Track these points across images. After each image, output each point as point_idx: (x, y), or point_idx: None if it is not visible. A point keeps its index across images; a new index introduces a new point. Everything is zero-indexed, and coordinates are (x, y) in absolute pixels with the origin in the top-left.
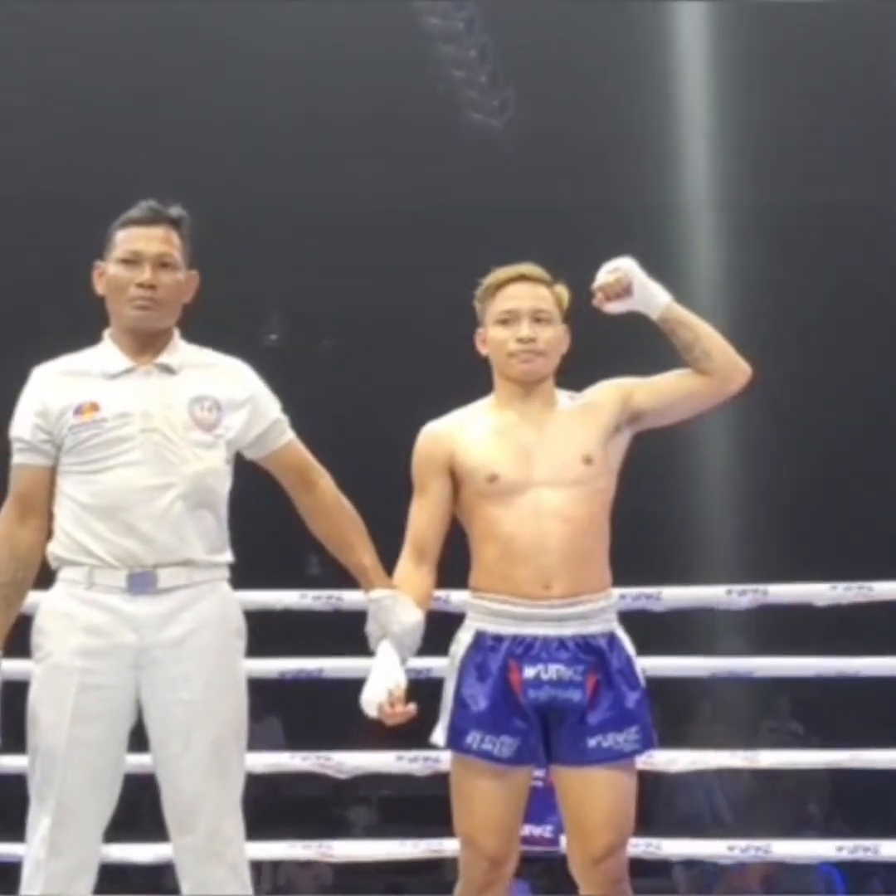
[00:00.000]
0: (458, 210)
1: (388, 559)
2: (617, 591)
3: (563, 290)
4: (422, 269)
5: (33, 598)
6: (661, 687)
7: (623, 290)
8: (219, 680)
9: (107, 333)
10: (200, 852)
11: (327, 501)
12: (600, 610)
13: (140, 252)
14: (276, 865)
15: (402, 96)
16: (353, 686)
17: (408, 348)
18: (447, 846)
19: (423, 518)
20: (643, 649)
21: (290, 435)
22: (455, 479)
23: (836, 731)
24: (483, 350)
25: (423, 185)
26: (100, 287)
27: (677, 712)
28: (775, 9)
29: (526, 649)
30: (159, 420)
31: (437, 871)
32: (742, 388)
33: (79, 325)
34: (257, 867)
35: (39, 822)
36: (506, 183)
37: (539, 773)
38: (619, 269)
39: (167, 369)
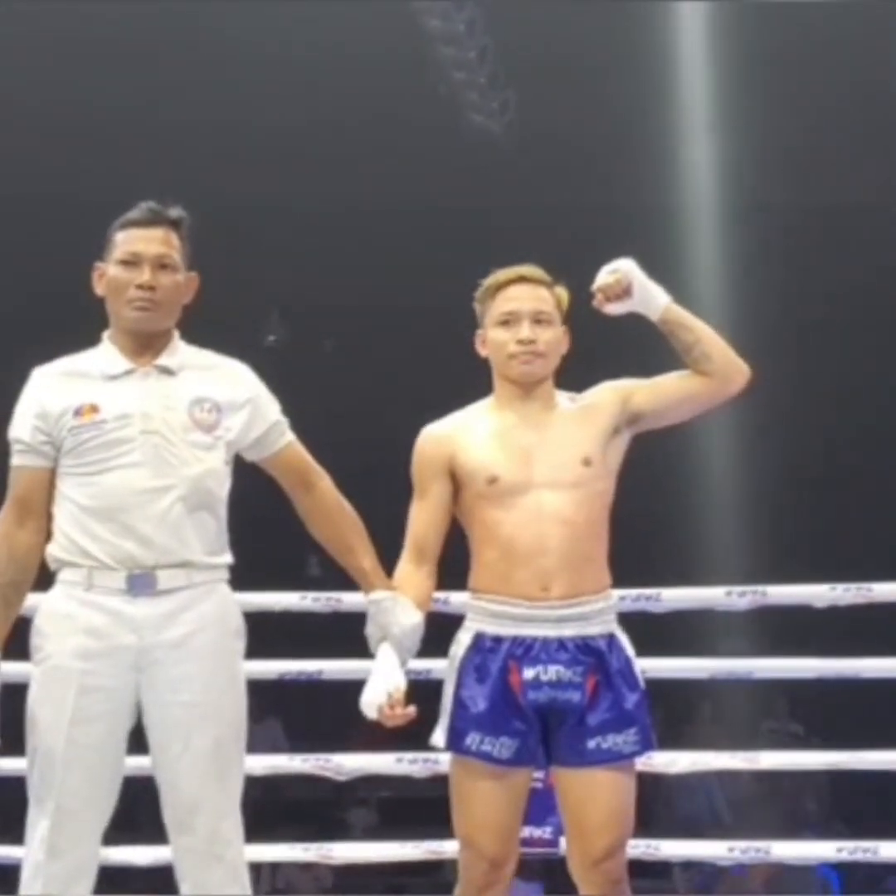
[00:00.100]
0: (459, 211)
1: (389, 561)
2: (616, 593)
3: (562, 292)
4: (422, 270)
5: (32, 599)
6: (660, 688)
7: (623, 291)
8: (218, 681)
9: (106, 335)
10: (200, 854)
11: (327, 503)
12: (600, 611)
13: (139, 253)
14: (276, 867)
15: (403, 97)
16: (353, 688)
17: (408, 349)
18: (447, 847)
19: (423, 520)
20: (643, 650)
21: (289, 436)
22: (455, 480)
23: (836, 733)
24: (483, 351)
25: (424, 186)
26: (99, 288)
27: (677, 713)
28: (776, 9)
29: (525, 650)
30: (159, 422)
31: (437, 873)
32: (741, 390)
33: (78, 326)
34: (257, 869)
35: (38, 823)
36: (506, 184)
37: (539, 774)
38: (619, 270)
39: (167, 371)
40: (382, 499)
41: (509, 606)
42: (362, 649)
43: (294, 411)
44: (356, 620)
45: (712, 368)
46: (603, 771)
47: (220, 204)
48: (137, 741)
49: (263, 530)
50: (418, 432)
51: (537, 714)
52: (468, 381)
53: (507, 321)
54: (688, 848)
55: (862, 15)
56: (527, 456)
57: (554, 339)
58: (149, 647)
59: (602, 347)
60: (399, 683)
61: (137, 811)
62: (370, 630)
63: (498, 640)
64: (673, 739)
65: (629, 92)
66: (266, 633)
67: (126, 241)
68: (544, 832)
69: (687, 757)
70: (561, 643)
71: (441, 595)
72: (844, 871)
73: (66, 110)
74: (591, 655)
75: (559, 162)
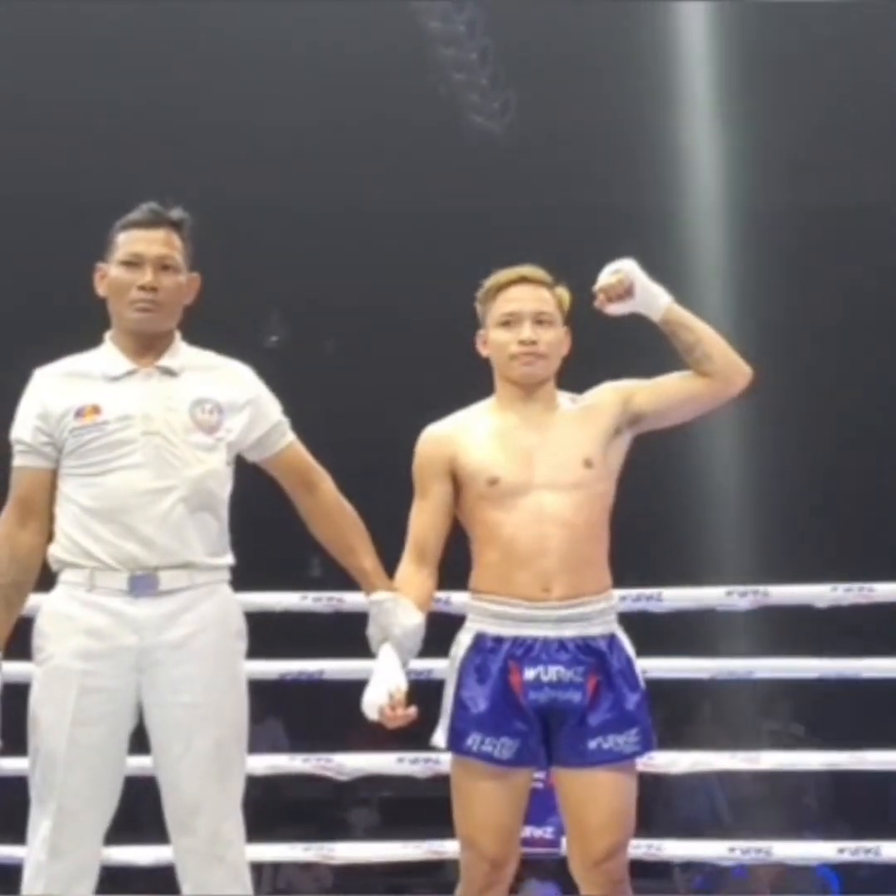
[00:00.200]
0: (460, 211)
1: (390, 561)
2: (617, 593)
3: (564, 292)
4: (423, 271)
5: (34, 600)
6: (661, 688)
7: (624, 291)
8: (220, 682)
9: (108, 335)
10: (201, 854)
11: (328, 504)
12: (600, 611)
13: (141, 254)
14: (277, 867)
15: (403, 98)
16: (354, 688)
17: (409, 350)
18: (448, 848)
19: (424, 520)
20: (643, 651)
21: (291, 437)
22: (456, 481)
23: (836, 733)
24: (484, 352)
25: (425, 187)
26: (101, 289)
27: (678, 714)
28: (778, 9)
29: (526, 651)
30: (160, 423)
31: (438, 873)
32: (742, 391)
33: (79, 326)
34: (258, 869)
35: (40, 824)
36: (506, 185)
37: (539, 774)
38: (621, 270)
39: (168, 372)
40: (382, 499)
41: (510, 607)
42: (363, 649)
43: (294, 412)
44: (357, 621)
45: (714, 369)
46: (604, 771)
47: (220, 204)
48: (139, 741)
49: (265, 530)
50: (418, 433)
51: (538, 714)
52: (468, 381)
53: (509, 322)
54: (689, 848)
55: (863, 15)
56: (528, 457)
57: (555, 340)
58: (150, 647)
59: (603, 348)
60: (400, 684)
61: (139, 811)
62: (371, 631)
63: (498, 640)
64: (674, 740)
65: (630, 93)
66: (267, 634)
67: (128, 242)
68: (545, 832)
69: (688, 757)
70: (561, 644)
71: (442, 595)
72: (844, 871)
73: (66, 110)
74: (592, 656)
75: (560, 163)
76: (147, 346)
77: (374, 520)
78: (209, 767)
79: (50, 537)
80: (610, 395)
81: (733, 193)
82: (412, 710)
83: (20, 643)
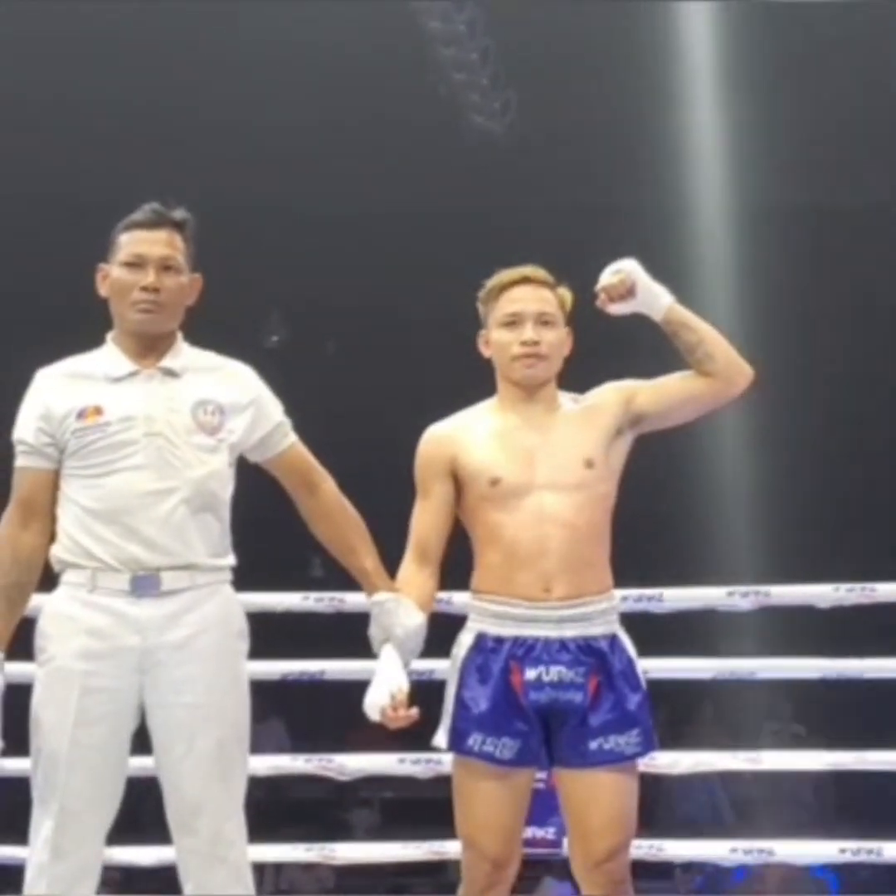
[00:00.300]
0: (460, 212)
1: (391, 562)
2: (619, 593)
3: (566, 293)
4: (423, 271)
5: (36, 601)
6: (663, 689)
7: (626, 291)
8: (221, 682)
9: (110, 336)
10: (203, 855)
11: (330, 504)
12: (602, 612)
13: (143, 255)
14: (279, 868)
15: (403, 98)
16: (356, 688)
17: (410, 350)
18: (449, 848)
19: (426, 521)
20: (645, 651)
21: (292, 438)
22: (457, 481)
23: (838, 733)
24: (486, 352)
25: (425, 187)
26: (103, 290)
27: (679, 714)
28: (780, 9)
29: (527, 651)
30: (162, 424)
31: (440, 873)
32: (745, 391)
33: (79, 326)
34: (259, 869)
35: (42, 824)
36: (507, 185)
37: (541, 774)
38: (623, 270)
39: (170, 373)
40: (383, 499)
41: (511, 607)
42: (365, 650)
43: (295, 412)
44: (359, 621)
45: (715, 369)
46: (605, 772)
47: (221, 204)
48: (141, 742)
49: (266, 531)
50: (419, 433)
51: (539, 715)
52: (469, 381)
53: (511, 322)
54: (691, 848)
55: (868, 15)
56: (529, 458)
57: (557, 340)
58: (152, 648)
59: (605, 348)
60: (402, 685)
61: (141, 812)
62: (373, 631)
63: (500, 640)
64: (675, 740)
65: (630, 93)
66: (269, 634)
67: (130, 242)
68: (547, 833)
69: (689, 757)
70: (563, 644)
71: (444, 595)
72: (844, 872)
73: (66, 110)
74: (593, 656)
75: (560, 163)
76: (149, 347)
77: (374, 520)
78: (211, 768)
79: (52, 538)
80: (611, 396)
81: (734, 193)
82: (414, 711)
83: (22, 644)
